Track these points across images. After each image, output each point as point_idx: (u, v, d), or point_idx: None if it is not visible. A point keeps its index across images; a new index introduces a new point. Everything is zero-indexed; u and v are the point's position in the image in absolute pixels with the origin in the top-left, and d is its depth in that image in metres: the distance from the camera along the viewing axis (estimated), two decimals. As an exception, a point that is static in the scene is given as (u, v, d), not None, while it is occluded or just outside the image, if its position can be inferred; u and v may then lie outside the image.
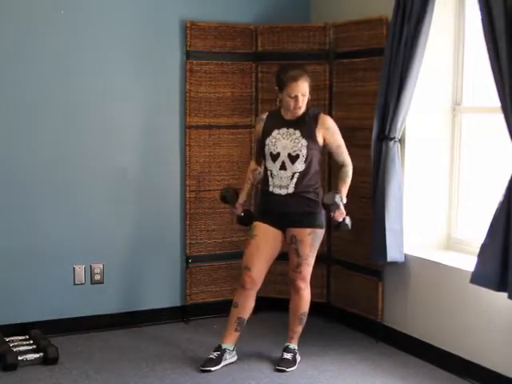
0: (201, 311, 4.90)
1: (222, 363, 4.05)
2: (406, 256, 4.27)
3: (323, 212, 4.00)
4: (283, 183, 3.97)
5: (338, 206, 3.88)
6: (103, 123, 4.57)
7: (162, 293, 4.83)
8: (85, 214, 4.55)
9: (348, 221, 3.99)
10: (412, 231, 4.33)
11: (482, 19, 3.53)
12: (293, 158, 3.95)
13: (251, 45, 4.86)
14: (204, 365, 4.02)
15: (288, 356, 4.10)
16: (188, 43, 4.68)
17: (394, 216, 4.21)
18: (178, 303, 4.87)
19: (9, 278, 4.38)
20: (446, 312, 4.04)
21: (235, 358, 4.13)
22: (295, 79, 3.89)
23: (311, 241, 4.00)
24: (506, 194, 3.45)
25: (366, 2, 4.60)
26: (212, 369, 4.00)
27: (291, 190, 3.96)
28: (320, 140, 3.98)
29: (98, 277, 4.62)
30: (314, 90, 4.74)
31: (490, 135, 4.18)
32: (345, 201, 3.94)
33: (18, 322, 4.38)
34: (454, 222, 4.40)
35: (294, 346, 4.16)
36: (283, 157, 3.96)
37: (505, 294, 3.46)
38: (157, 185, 4.75)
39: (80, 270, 4.58)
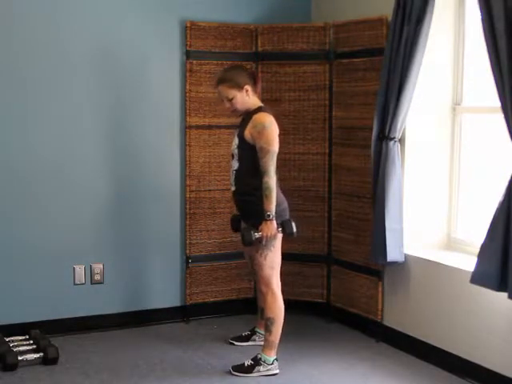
0: (201, 311, 4.89)
1: (250, 342, 4.36)
2: (406, 256, 4.27)
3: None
4: (230, 180, 4.02)
5: (255, 240, 3.78)
6: (103, 123, 4.57)
7: (162, 293, 4.82)
8: (85, 213, 4.56)
9: (291, 228, 3.85)
10: (412, 231, 4.33)
11: (482, 19, 3.53)
12: (233, 156, 3.97)
13: (251, 45, 4.86)
14: (232, 338, 4.41)
15: (248, 362, 3.95)
16: (188, 43, 4.68)
17: (393, 216, 4.21)
18: (178, 303, 4.87)
19: (9, 277, 4.38)
20: (446, 312, 4.04)
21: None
22: (214, 86, 3.99)
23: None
24: (506, 194, 3.45)
25: (366, 2, 4.60)
26: (236, 343, 4.37)
27: (234, 187, 3.98)
28: (249, 139, 3.84)
29: (97, 277, 4.62)
30: (313, 90, 4.78)
31: (490, 135, 4.18)
32: (272, 216, 3.77)
33: (18, 322, 4.37)
34: (454, 222, 4.40)
35: (261, 355, 3.94)
36: (231, 155, 4.01)
37: (505, 294, 3.46)
38: (157, 185, 4.75)
39: (80, 270, 4.58)
